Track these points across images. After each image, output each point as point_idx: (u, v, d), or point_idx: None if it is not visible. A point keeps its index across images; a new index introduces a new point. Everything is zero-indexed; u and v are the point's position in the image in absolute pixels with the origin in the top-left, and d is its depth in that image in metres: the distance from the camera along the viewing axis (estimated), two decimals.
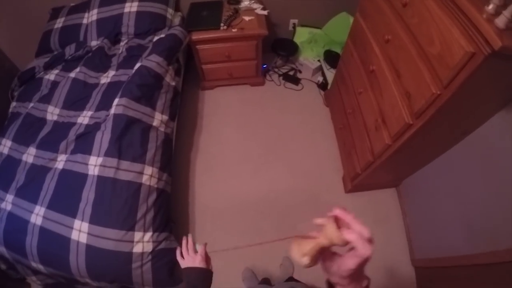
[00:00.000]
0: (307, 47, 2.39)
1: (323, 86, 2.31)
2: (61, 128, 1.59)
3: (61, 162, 1.44)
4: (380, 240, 1.70)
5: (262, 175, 1.96)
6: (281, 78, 2.41)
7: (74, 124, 1.59)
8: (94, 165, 1.37)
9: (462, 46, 0.87)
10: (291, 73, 2.43)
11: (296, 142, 2.10)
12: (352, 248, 0.40)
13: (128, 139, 1.41)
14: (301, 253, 0.41)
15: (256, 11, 2.01)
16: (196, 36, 1.89)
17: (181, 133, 2.08)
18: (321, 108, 2.26)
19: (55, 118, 1.65)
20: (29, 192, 1.37)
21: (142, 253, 1.27)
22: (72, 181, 1.37)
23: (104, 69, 1.76)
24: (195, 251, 0.77)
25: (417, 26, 1.09)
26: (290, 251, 0.42)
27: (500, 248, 1.10)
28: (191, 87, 2.37)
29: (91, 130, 1.49)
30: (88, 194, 1.32)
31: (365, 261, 0.39)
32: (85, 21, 1.92)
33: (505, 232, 1.09)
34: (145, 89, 1.54)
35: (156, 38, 1.81)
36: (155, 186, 1.41)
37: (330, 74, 2.23)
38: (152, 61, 1.61)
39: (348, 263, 0.40)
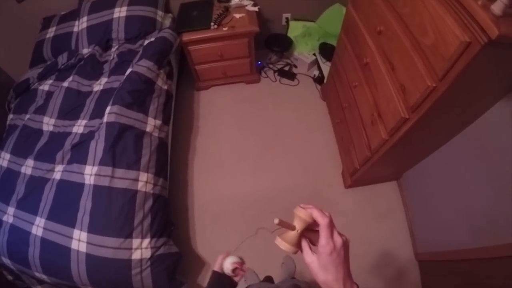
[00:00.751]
0: (302, 41, 2.34)
1: (319, 80, 2.27)
2: (57, 138, 1.59)
3: (58, 172, 1.45)
4: (382, 234, 1.69)
5: (261, 174, 1.94)
6: (276, 74, 2.38)
7: (69, 133, 1.59)
8: (89, 174, 1.37)
9: (457, 35, 0.82)
10: (286, 68, 2.40)
11: (294, 139, 2.07)
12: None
13: (121, 147, 1.41)
14: (288, 245, 0.47)
15: (246, 8, 1.97)
16: (187, 37, 1.87)
17: (178, 135, 2.07)
18: (318, 103, 2.22)
19: (51, 128, 1.65)
20: (29, 204, 1.39)
21: (141, 260, 1.28)
22: (69, 191, 1.38)
23: (97, 76, 1.75)
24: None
25: (409, 16, 1.05)
26: (279, 244, 0.48)
27: (503, 242, 1.08)
28: (186, 88, 2.36)
29: (86, 139, 1.49)
30: (86, 204, 1.33)
31: (329, 228, 0.46)
32: (75, 29, 1.92)
33: (508, 225, 1.06)
34: (137, 95, 1.53)
35: (146, 42, 1.80)
36: (151, 192, 1.41)
37: (326, 67, 2.19)
38: (143, 66, 1.60)
39: (320, 240, 0.46)
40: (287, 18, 2.31)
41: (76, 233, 1.28)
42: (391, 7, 1.16)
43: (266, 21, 2.29)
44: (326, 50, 2.22)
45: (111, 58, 1.81)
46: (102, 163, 1.36)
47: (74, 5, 1.99)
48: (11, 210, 1.41)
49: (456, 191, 1.35)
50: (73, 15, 1.95)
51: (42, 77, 1.86)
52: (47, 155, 1.53)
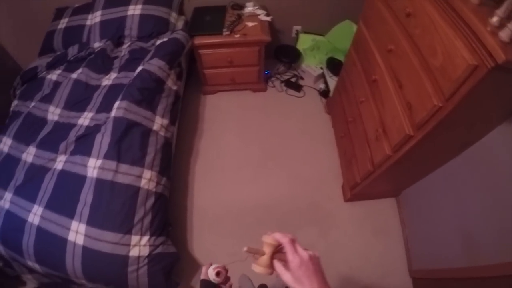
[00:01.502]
0: (310, 54, 2.39)
1: (324, 93, 2.31)
2: (62, 129, 1.59)
3: (60, 162, 1.44)
4: (378, 250, 1.70)
5: (261, 181, 1.95)
6: (283, 84, 2.41)
7: (74, 125, 1.59)
8: (93, 167, 1.37)
9: (465, 58, 0.86)
10: (293, 79, 2.43)
11: (297, 149, 2.09)
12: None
13: (127, 142, 1.41)
14: (262, 267, 0.54)
15: (259, 17, 2.01)
16: (198, 40, 1.90)
17: (181, 137, 2.07)
18: (323, 116, 2.26)
19: (56, 118, 1.65)
20: (28, 191, 1.37)
21: (139, 257, 1.26)
22: (70, 182, 1.37)
23: (106, 71, 1.76)
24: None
25: (420, 36, 1.09)
26: (254, 269, 0.54)
27: (498, 262, 1.09)
28: (192, 91, 2.37)
29: (91, 132, 1.49)
30: (86, 196, 1.32)
31: (291, 245, 0.53)
32: (88, 22, 1.93)
33: (504, 245, 1.08)
34: (146, 93, 1.54)
35: (158, 41, 1.82)
36: (154, 190, 1.41)
37: (332, 81, 2.23)
38: (154, 65, 1.61)
39: (287, 256, 0.53)
40: (297, 31, 2.36)
41: (74, 224, 1.27)
42: (402, 27, 1.21)
43: (277, 32, 2.34)
44: (334, 65, 2.27)
45: (122, 54, 1.83)
46: (107, 156, 1.36)
47: None
48: (8, 195, 1.39)
49: (453, 211, 1.37)
50: (87, 8, 1.97)
51: (50, 67, 1.87)
52: (50, 144, 1.52)
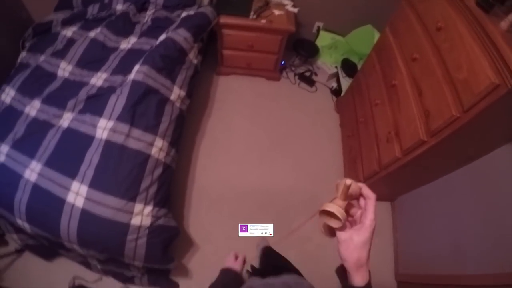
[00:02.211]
0: (327, 52, 2.41)
1: (336, 92, 2.34)
2: (72, 86, 1.53)
3: (66, 120, 1.39)
4: None
5: (265, 168, 1.96)
6: (296, 77, 2.43)
7: (86, 84, 1.54)
8: (103, 128, 1.33)
9: (488, 76, 0.92)
10: (307, 74, 2.45)
11: (303, 142, 2.11)
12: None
13: (143, 108, 1.38)
14: (339, 210, 0.45)
15: (286, 7, 2.01)
16: (224, 20, 1.88)
17: (191, 114, 2.04)
18: (331, 113, 2.29)
19: (66, 75, 1.59)
20: (27, 146, 1.31)
21: (140, 227, 1.23)
22: (76, 141, 1.32)
23: (126, 34, 1.71)
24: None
25: (447, 51, 1.13)
26: (329, 208, 0.45)
27: (482, 272, 1.15)
28: (206, 70, 2.34)
29: (105, 92, 1.45)
30: (92, 157, 1.27)
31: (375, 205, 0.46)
32: None
33: (490, 258, 1.15)
34: (168, 61, 1.51)
35: (184, 14, 1.78)
36: (163, 160, 1.39)
37: (344, 82, 2.27)
38: (180, 35, 1.59)
39: (368, 215, 0.46)
40: (318, 27, 2.38)
41: (75, 185, 1.22)
42: (430, 39, 1.25)
43: (299, 25, 2.34)
44: (348, 66, 2.30)
45: (145, 20, 1.78)
46: (120, 119, 1.32)
47: None
48: (4, 148, 1.32)
49: (446, 220, 1.43)
50: None
51: (66, 23, 1.79)
52: (58, 100, 1.46)
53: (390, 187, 1.77)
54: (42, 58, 1.65)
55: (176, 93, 1.53)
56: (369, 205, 0.46)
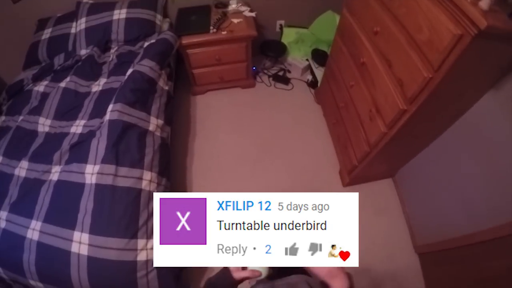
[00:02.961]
0: (295, 47, 2.43)
1: (312, 84, 2.35)
2: (54, 139, 1.55)
3: (55, 173, 1.40)
4: (381, 231, 1.73)
5: (259, 176, 1.95)
6: (271, 79, 2.44)
7: (67, 134, 1.55)
8: (91, 173, 1.34)
9: (449, 29, 0.92)
10: (281, 73, 2.47)
11: (291, 141, 2.11)
12: None
13: (124, 145, 1.39)
14: None
15: (244, 13, 2.04)
16: (186, 40, 1.90)
17: (175, 139, 2.06)
18: (313, 106, 2.29)
19: (46, 129, 1.61)
20: (24, 207, 1.32)
21: (147, 261, 1.23)
22: (68, 192, 1.33)
23: (95, 77, 1.74)
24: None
25: (405, 15, 1.14)
26: None
27: (499, 223, 1.13)
28: (182, 93, 2.37)
29: (86, 138, 1.46)
30: (87, 204, 1.28)
31: None
32: (73, 30, 1.91)
33: (504, 205, 1.12)
34: (139, 94, 1.53)
35: (146, 43, 1.81)
36: (155, 191, 1.39)
37: (318, 72, 2.28)
38: (145, 65, 1.61)
39: None
40: (281, 25, 2.40)
41: (77, 235, 1.22)
42: (386, 9, 1.26)
43: (261, 28, 2.37)
44: (318, 56, 2.32)
45: (110, 59, 1.81)
46: (104, 161, 1.33)
47: (70, 7, 1.98)
48: (3, 214, 1.32)
49: (450, 181, 1.41)
50: (71, 16, 1.94)
51: (37, 78, 1.82)
52: (43, 156, 1.48)
53: (386, 164, 1.76)
54: (20, 118, 1.67)
55: (154, 123, 1.54)
56: None
